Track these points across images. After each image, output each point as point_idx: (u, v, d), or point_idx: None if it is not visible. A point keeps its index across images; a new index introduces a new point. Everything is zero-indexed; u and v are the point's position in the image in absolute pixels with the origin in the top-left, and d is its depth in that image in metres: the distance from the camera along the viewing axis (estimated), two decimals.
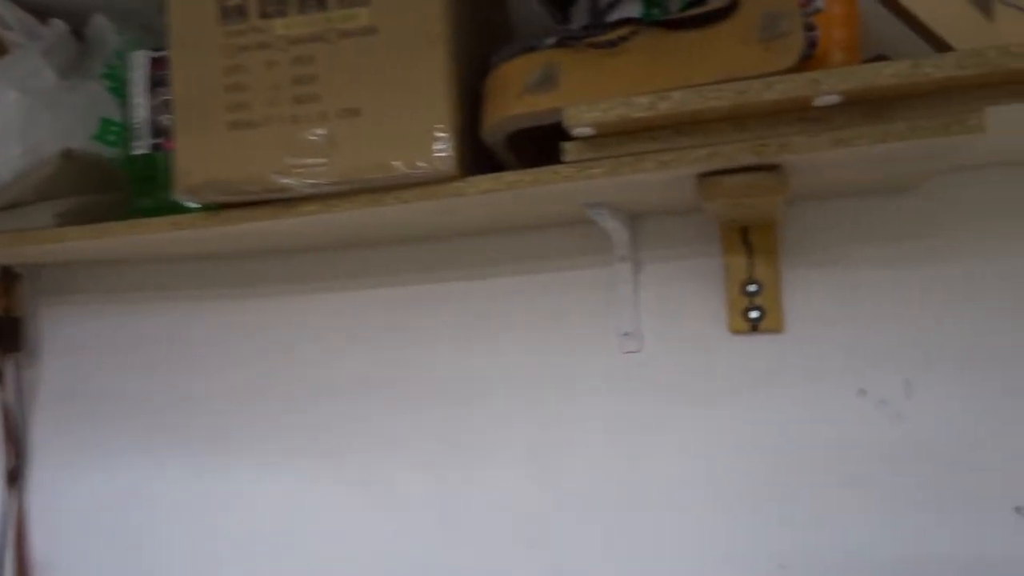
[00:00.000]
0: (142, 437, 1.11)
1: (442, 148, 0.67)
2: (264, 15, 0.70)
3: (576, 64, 0.64)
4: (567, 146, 0.65)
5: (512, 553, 0.95)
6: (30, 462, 1.17)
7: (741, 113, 0.60)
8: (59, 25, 0.96)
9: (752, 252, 0.87)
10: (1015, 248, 0.82)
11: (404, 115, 0.68)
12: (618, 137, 0.64)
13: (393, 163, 0.68)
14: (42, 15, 0.99)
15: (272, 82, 0.70)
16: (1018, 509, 0.81)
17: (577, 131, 0.61)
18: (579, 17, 0.75)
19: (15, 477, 1.16)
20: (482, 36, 0.75)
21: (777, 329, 0.88)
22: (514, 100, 0.66)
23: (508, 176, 0.68)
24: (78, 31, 1.01)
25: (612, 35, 0.62)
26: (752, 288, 0.88)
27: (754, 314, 0.88)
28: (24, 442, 1.17)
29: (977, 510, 0.82)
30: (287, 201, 0.73)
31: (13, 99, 0.88)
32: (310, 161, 0.69)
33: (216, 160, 0.71)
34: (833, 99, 0.56)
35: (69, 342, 1.16)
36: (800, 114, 0.60)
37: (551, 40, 0.65)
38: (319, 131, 0.69)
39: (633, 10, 0.70)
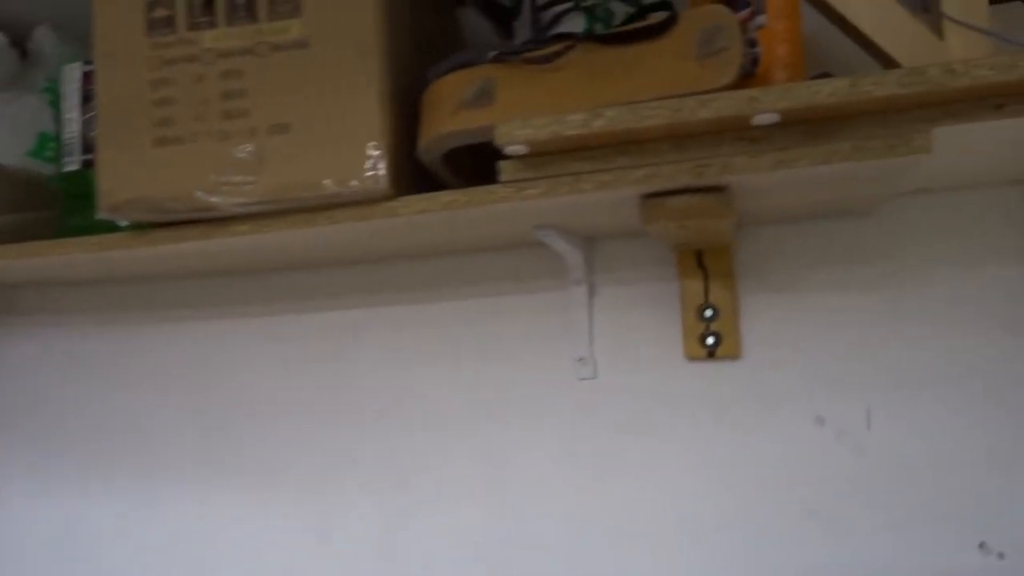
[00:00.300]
0: (79, 463, 1.07)
1: (374, 166, 0.64)
2: (193, 27, 0.67)
3: (513, 80, 0.62)
4: (503, 165, 0.62)
5: None
6: None
7: (680, 132, 0.58)
8: None
9: (708, 276, 0.85)
10: (974, 272, 0.79)
11: (335, 132, 0.65)
12: (556, 156, 0.61)
13: (324, 182, 0.65)
14: None
15: (200, 97, 0.67)
16: (982, 545, 0.78)
17: (509, 149, 0.58)
18: (522, 32, 0.73)
19: None
20: (425, 50, 0.72)
21: (734, 355, 0.85)
22: (449, 117, 0.63)
23: (443, 196, 0.65)
24: (22, 44, 0.98)
25: (547, 50, 0.59)
26: (708, 313, 0.85)
27: (710, 340, 0.85)
28: None
29: (942, 546, 0.78)
30: (218, 220, 0.70)
31: None
32: (238, 179, 0.66)
33: (141, 177, 0.68)
34: (771, 118, 0.54)
35: (21, 364, 1.12)
36: (740, 134, 0.58)
37: (490, 55, 0.63)
38: (247, 148, 0.66)
39: (576, 25, 0.68)
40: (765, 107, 0.53)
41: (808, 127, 0.56)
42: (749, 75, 0.58)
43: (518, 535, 0.90)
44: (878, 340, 0.81)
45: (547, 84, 0.61)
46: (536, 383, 0.91)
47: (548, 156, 0.61)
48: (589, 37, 0.59)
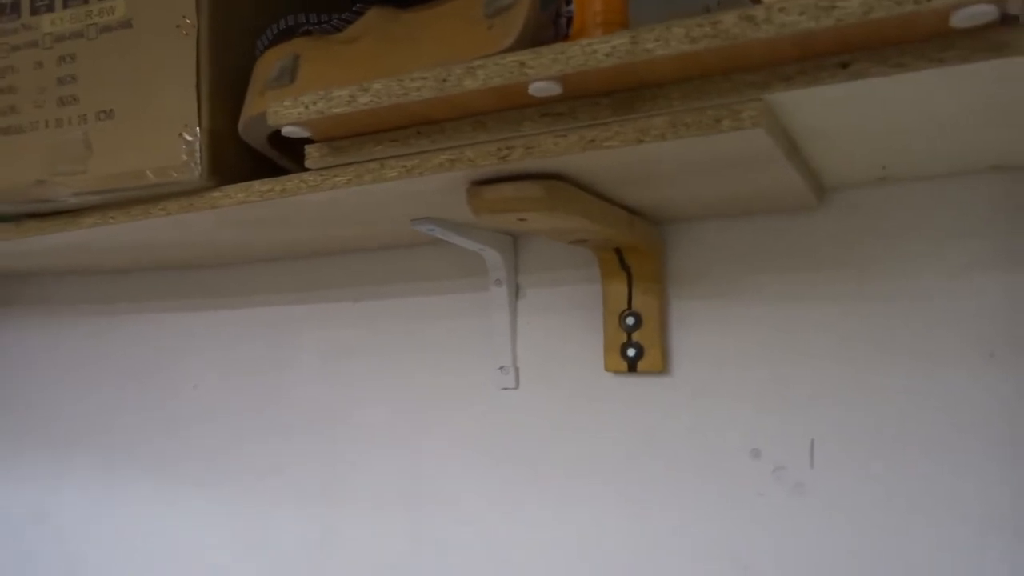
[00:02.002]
0: (57, 450, 1.10)
1: (189, 152, 0.59)
2: (34, 11, 0.65)
3: (315, 56, 0.55)
4: (309, 150, 0.55)
5: None
6: None
7: (475, 109, 0.49)
8: None
9: (631, 279, 0.74)
10: (946, 280, 0.64)
11: (155, 118, 0.61)
12: (360, 140, 0.54)
13: (146, 171, 0.61)
14: None
15: (39, 84, 0.64)
16: None
17: (286, 131, 0.51)
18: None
19: None
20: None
21: (658, 370, 0.73)
22: (256, 97, 0.57)
23: (259, 185, 0.59)
24: None
25: (340, 19, 0.52)
26: (630, 321, 0.74)
27: (631, 351, 0.74)
28: None
29: None
30: (71, 212, 0.68)
31: None
32: (69, 169, 0.63)
33: None
34: (550, 87, 0.44)
35: (8, 350, 1.17)
36: (543, 109, 0.48)
37: (300, 28, 0.56)
38: (77, 136, 0.63)
39: None
40: (539, 74, 0.43)
41: (614, 99, 0.46)
42: (559, 37, 0.48)
43: (435, 550, 0.83)
44: (828, 360, 0.68)
45: (346, 58, 0.53)
46: (458, 391, 0.83)
47: (352, 140, 0.54)
48: (384, 1, 0.51)
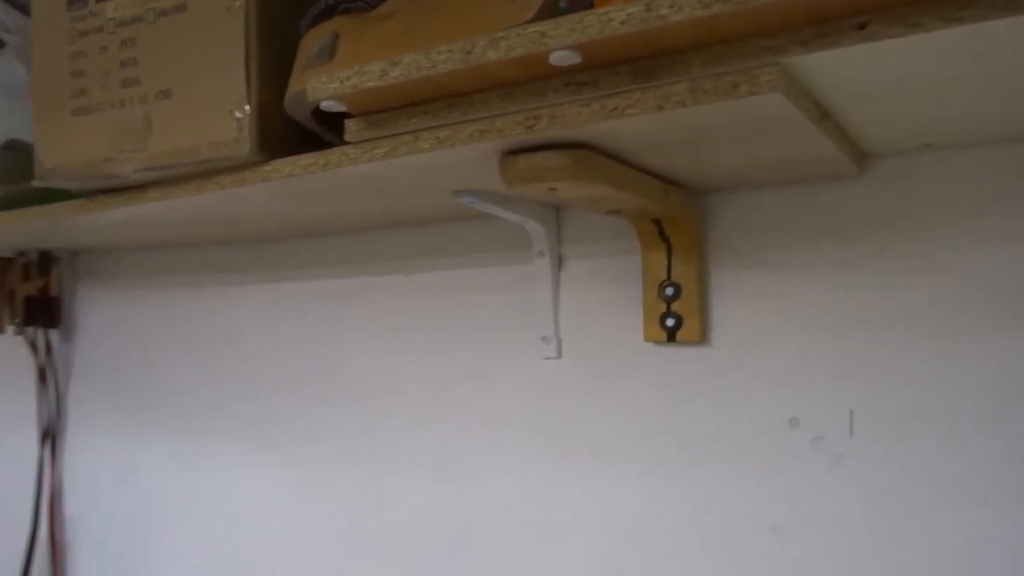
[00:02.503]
0: (145, 412, 1.17)
1: (239, 129, 0.63)
2: None
3: (354, 32, 0.57)
4: (348, 124, 0.58)
5: (426, 570, 0.89)
6: (64, 426, 1.28)
7: (502, 80, 0.50)
8: None
9: (671, 250, 0.74)
10: (989, 250, 0.62)
11: (208, 95, 0.64)
12: (395, 113, 0.56)
13: (200, 147, 0.65)
14: None
15: (104, 67, 0.69)
16: None
17: (324, 105, 0.54)
18: None
19: (51, 439, 1.27)
20: None
21: (697, 340, 0.74)
22: (299, 75, 0.60)
23: (303, 159, 0.62)
24: None
25: None
26: (669, 292, 0.74)
27: (670, 322, 0.75)
28: (59, 408, 1.28)
29: None
30: (137, 187, 0.72)
31: None
32: (132, 146, 0.68)
33: (62, 146, 0.72)
34: (569, 56, 0.45)
35: (99, 320, 1.25)
36: (567, 79, 0.49)
37: (339, 7, 0.59)
38: (139, 115, 0.67)
39: None
40: (558, 43, 0.44)
41: (634, 67, 0.46)
42: (588, 6, 0.49)
43: (480, 514, 0.86)
44: (868, 330, 0.67)
45: (379, 34, 0.55)
46: (502, 361, 0.85)
47: (387, 113, 0.56)
48: None
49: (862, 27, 0.40)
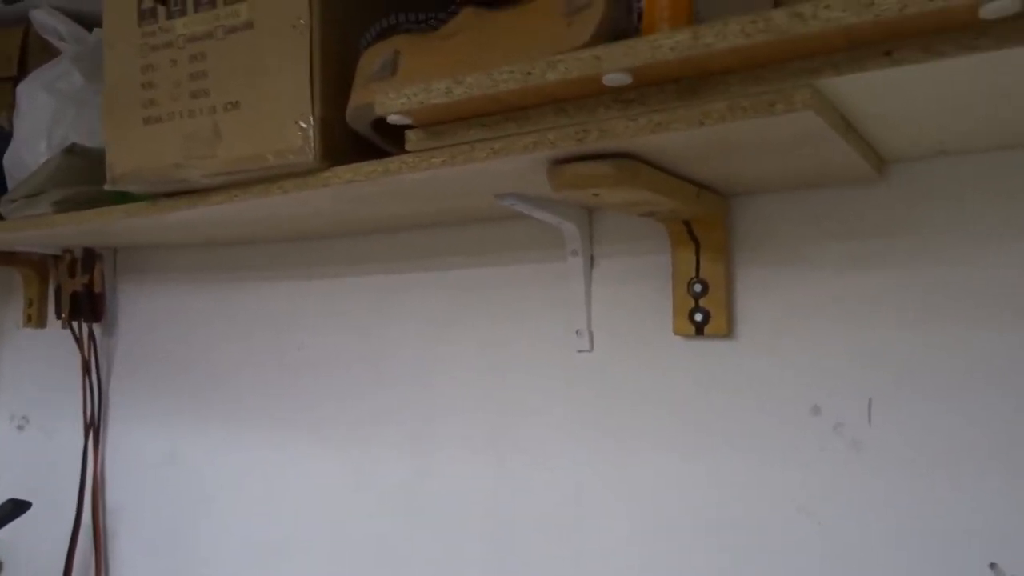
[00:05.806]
0: (187, 400, 1.23)
1: (304, 139, 0.68)
2: (170, 15, 0.74)
3: (414, 51, 0.62)
4: (409, 135, 0.63)
5: (467, 546, 0.94)
6: (106, 417, 1.34)
7: (557, 97, 0.55)
8: (96, 34, 1.08)
9: (699, 249, 0.79)
10: (1005, 247, 0.67)
11: (274, 107, 0.69)
12: (454, 125, 0.61)
13: (267, 155, 0.70)
14: (91, 26, 1.12)
15: (174, 79, 0.74)
16: (993, 566, 0.67)
17: (391, 119, 0.59)
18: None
19: (95, 430, 1.33)
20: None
21: (724, 333, 0.79)
22: (361, 89, 0.65)
23: (365, 167, 0.67)
24: None
25: (435, 18, 0.59)
26: (698, 288, 0.80)
27: (699, 316, 0.80)
28: (102, 399, 1.34)
29: (946, 563, 0.69)
30: (201, 191, 0.78)
31: (42, 100, 1.01)
32: (201, 153, 0.73)
33: (133, 152, 0.77)
34: (622, 78, 0.50)
35: (139, 313, 1.31)
36: (616, 96, 0.54)
37: (400, 26, 0.64)
38: (208, 124, 0.72)
39: None
40: (611, 67, 0.49)
41: (679, 86, 0.51)
42: (629, 32, 0.54)
43: (519, 495, 0.91)
44: (886, 323, 0.72)
45: (444, 53, 0.60)
46: (537, 353, 0.91)
47: (447, 125, 0.61)
48: (477, 2, 0.58)
49: (889, 53, 0.45)
